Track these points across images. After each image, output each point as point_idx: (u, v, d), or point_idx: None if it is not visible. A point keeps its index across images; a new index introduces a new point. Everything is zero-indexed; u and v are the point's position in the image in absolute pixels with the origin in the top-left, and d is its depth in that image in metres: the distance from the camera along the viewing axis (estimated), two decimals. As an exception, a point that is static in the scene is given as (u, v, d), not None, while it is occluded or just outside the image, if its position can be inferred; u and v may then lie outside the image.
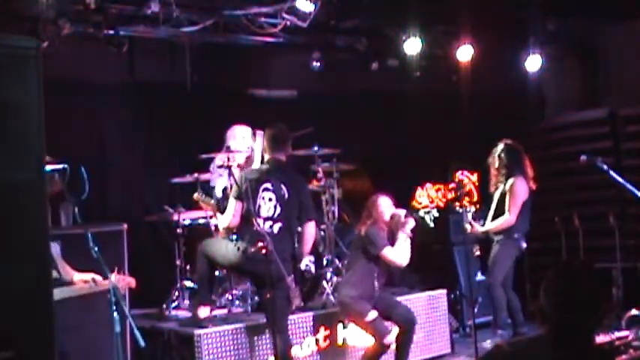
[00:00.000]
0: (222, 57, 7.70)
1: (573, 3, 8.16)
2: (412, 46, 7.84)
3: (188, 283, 6.39)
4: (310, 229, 5.54)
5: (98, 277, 4.37)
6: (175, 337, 5.70)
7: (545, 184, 8.54)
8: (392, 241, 5.78)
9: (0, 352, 2.62)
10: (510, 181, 6.55)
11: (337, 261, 6.64)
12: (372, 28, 8.12)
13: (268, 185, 5.40)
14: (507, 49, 8.65)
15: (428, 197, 8.66)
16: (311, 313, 6.09)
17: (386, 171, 8.62)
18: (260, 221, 5.23)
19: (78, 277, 4.35)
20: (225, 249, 5.42)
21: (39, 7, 5.90)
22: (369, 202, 5.91)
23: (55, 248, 4.20)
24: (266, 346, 5.69)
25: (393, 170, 8.67)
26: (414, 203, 8.72)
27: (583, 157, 5.94)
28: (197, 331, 5.48)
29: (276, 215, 5.37)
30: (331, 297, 6.32)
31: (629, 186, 5.71)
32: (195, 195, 5.93)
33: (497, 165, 6.68)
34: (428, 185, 8.77)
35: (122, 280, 4.42)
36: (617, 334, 5.02)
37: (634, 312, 6.44)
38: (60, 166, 4.19)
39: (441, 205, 8.53)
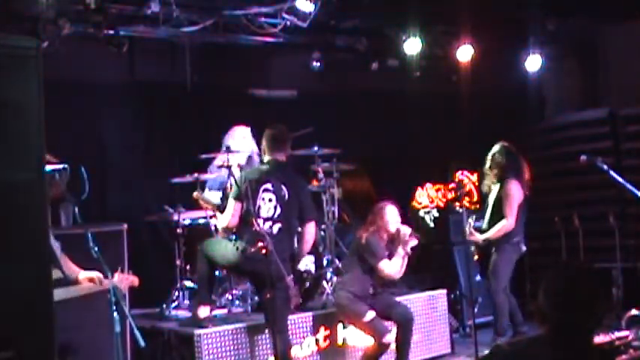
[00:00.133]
0: (222, 57, 7.71)
1: (573, 3, 8.16)
2: (412, 46, 7.84)
3: (188, 283, 6.39)
4: (310, 230, 5.53)
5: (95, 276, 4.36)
6: (175, 337, 5.70)
7: (545, 184, 8.58)
8: (390, 251, 5.78)
9: (0, 352, 2.62)
10: (504, 183, 6.47)
11: (337, 261, 6.64)
12: (372, 28, 8.12)
13: (268, 186, 5.40)
14: (507, 49, 8.65)
15: (428, 197, 8.67)
16: (311, 313, 6.09)
17: (386, 171, 8.62)
18: (260, 221, 5.23)
19: (83, 274, 4.34)
20: (225, 249, 5.42)
21: (39, 7, 5.90)
22: (376, 208, 5.88)
23: (55, 244, 4.19)
24: (266, 346, 5.69)
25: (393, 170, 8.67)
26: (414, 203, 8.73)
27: (583, 157, 5.94)
28: (197, 331, 5.48)
29: (276, 216, 5.37)
30: (331, 297, 6.32)
31: (629, 186, 5.71)
32: (195, 193, 5.93)
33: (489, 165, 6.62)
34: (428, 185, 8.78)
35: (125, 280, 4.41)
36: (617, 334, 5.03)
37: (634, 312, 6.43)
38: (60, 166, 4.20)
39: (441, 205, 8.54)
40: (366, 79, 8.60)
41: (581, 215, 7.90)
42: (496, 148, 6.63)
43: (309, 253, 6.05)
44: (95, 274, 4.33)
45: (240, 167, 6.35)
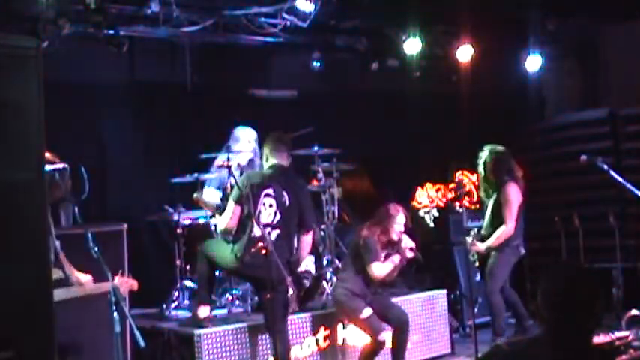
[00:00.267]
0: (222, 57, 7.71)
1: (573, 3, 8.17)
2: (412, 46, 7.84)
3: (188, 283, 6.39)
4: (308, 239, 5.54)
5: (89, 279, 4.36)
6: (175, 337, 5.70)
7: (545, 184, 8.58)
8: (386, 254, 5.77)
9: (0, 352, 2.62)
10: (502, 188, 6.42)
11: (337, 261, 6.64)
12: (372, 28, 8.13)
13: (270, 191, 5.39)
14: (507, 49, 8.66)
15: (428, 197, 8.65)
16: (311, 313, 6.10)
17: (386, 171, 8.62)
18: (260, 228, 5.21)
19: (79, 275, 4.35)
20: (224, 254, 5.43)
21: (39, 7, 5.90)
22: (385, 210, 5.80)
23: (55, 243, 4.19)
24: (266, 346, 5.69)
25: (393, 170, 8.67)
26: (414, 203, 8.72)
27: (583, 157, 5.94)
28: (197, 331, 5.48)
29: (275, 222, 5.36)
30: (331, 297, 6.32)
31: (629, 186, 5.71)
32: (195, 195, 5.93)
33: (484, 173, 6.56)
34: (428, 185, 8.76)
35: (125, 283, 4.41)
36: (617, 334, 5.04)
37: (634, 312, 6.43)
38: (60, 166, 4.20)
39: (441, 205, 8.52)
40: (366, 79, 8.60)
41: (581, 215, 7.88)
42: (485, 154, 6.54)
43: (309, 253, 6.05)
44: (88, 277, 4.34)
45: (241, 168, 6.35)
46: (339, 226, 7.09)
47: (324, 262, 6.66)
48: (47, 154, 4.31)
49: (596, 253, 7.78)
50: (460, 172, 8.99)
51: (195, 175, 6.28)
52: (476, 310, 7.07)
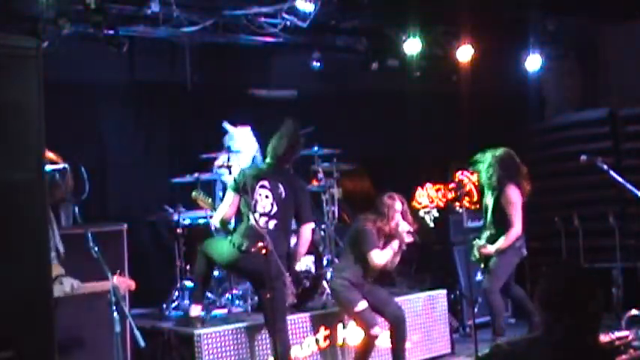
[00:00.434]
0: (222, 57, 7.71)
1: (573, 3, 8.16)
2: (412, 46, 7.84)
3: (188, 283, 6.39)
4: (306, 232, 5.53)
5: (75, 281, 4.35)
6: (175, 337, 5.70)
7: (545, 184, 8.57)
8: (385, 243, 5.77)
9: (0, 352, 2.62)
10: (502, 190, 6.40)
11: (337, 261, 6.64)
12: (372, 28, 8.12)
13: (265, 183, 5.44)
14: (507, 49, 8.65)
15: (428, 197, 8.63)
16: (311, 313, 6.10)
17: (386, 171, 8.61)
18: (256, 216, 5.24)
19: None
20: (222, 247, 5.45)
21: (39, 7, 5.90)
22: (381, 200, 5.82)
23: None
24: (266, 346, 5.69)
25: (393, 170, 8.66)
26: (414, 203, 8.71)
27: (583, 157, 5.93)
28: (197, 331, 5.48)
29: (272, 212, 5.39)
30: (328, 286, 6.31)
31: (629, 186, 5.71)
32: (194, 193, 5.94)
33: (483, 178, 6.56)
34: (428, 185, 8.75)
35: (123, 283, 4.42)
36: (617, 334, 5.04)
37: (634, 312, 6.44)
38: (60, 166, 4.21)
39: (441, 205, 8.51)
40: (366, 79, 8.59)
41: (581, 215, 7.89)
42: (488, 161, 6.50)
43: (309, 253, 6.05)
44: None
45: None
46: (339, 226, 7.09)
47: (324, 262, 6.66)
48: (51, 154, 4.34)
49: (596, 253, 7.78)
50: (460, 172, 8.99)
51: (196, 175, 6.28)
52: (476, 310, 7.07)
